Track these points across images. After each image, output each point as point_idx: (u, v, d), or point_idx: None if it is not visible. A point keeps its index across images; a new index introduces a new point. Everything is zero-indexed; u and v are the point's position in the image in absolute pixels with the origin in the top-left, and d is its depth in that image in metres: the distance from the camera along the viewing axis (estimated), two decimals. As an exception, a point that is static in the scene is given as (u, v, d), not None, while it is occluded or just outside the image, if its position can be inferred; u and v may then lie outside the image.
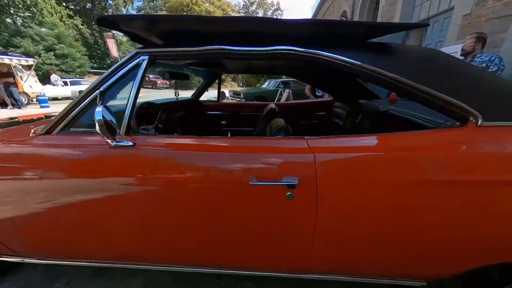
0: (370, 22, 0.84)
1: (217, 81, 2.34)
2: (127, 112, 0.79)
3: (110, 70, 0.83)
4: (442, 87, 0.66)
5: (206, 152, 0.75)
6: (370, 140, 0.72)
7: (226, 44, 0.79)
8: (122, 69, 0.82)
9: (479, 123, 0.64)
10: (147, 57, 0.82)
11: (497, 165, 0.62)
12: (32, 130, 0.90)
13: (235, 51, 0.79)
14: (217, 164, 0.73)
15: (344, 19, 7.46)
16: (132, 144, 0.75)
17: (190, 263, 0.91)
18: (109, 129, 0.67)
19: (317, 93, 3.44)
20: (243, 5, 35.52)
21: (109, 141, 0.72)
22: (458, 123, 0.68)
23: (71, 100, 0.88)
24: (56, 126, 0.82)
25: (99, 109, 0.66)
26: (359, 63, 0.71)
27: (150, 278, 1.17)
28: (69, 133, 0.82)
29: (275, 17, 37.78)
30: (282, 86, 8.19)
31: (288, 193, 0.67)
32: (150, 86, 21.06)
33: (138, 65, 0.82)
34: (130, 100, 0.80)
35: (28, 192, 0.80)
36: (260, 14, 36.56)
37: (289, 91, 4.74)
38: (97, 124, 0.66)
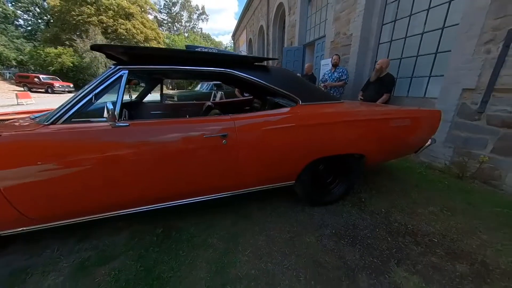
0: (252, 56, 1.65)
1: (159, 85, 2.75)
2: (118, 106, 1.26)
3: (98, 79, 1.26)
4: (288, 88, 1.55)
5: (179, 124, 1.35)
6: (256, 114, 1.54)
7: (179, 64, 1.41)
8: (108, 79, 1.27)
9: (300, 103, 1.56)
10: (126, 72, 1.31)
11: (290, 120, 1.54)
12: (33, 122, 1.20)
13: (187, 69, 1.42)
14: (185, 130, 1.35)
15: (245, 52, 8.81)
16: (127, 124, 1.24)
17: (169, 199, 1.45)
18: (113, 115, 1.16)
19: (245, 94, 4.32)
20: (164, 4, 33.52)
21: (111, 123, 1.19)
22: (294, 104, 1.59)
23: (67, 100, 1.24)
24: (59, 118, 1.18)
25: (109, 103, 1.14)
26: (250, 77, 1.50)
27: (131, 234, 1.58)
28: (71, 123, 1.20)
29: (200, 20, 37.67)
30: (215, 88, 8.83)
31: (224, 140, 1.37)
32: (43, 90, 16.74)
33: (120, 77, 1.30)
34: (118, 99, 1.27)
35: (52, 167, 1.13)
36: (185, 17, 35.59)
37: (221, 93, 5.52)
38: (107, 112, 1.13)
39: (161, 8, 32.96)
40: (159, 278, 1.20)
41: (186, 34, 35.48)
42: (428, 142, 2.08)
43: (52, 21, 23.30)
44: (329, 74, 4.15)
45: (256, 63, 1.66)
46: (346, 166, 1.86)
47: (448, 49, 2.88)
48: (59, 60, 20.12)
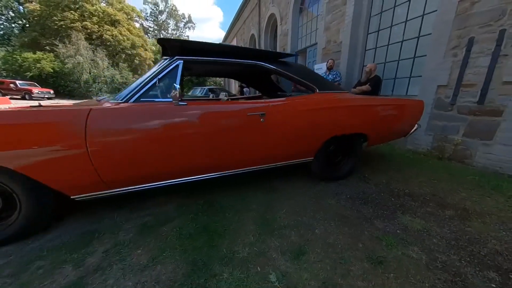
0: (278, 52, 1.99)
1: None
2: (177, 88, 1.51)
3: (160, 67, 1.51)
4: (307, 79, 1.90)
5: (227, 104, 1.63)
6: (285, 99, 1.86)
7: (222, 57, 1.70)
8: (168, 67, 1.53)
9: (317, 91, 1.91)
10: (182, 61, 1.57)
11: (311, 104, 1.88)
12: (105, 101, 1.41)
13: (229, 61, 1.72)
14: (233, 108, 1.63)
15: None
16: (186, 103, 1.50)
17: (216, 169, 1.69)
18: (180, 94, 1.41)
19: (245, 94, 4.67)
20: (151, 12, 33.52)
21: (175, 101, 1.44)
22: (312, 92, 1.94)
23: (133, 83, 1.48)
24: (131, 98, 1.41)
25: (176, 85, 1.39)
26: (277, 68, 1.83)
27: (177, 205, 1.78)
28: (139, 102, 1.43)
29: (187, 28, 38.00)
30: (210, 93, 9.17)
31: (261, 119, 1.66)
32: (19, 97, 15.81)
33: (177, 66, 1.56)
34: (177, 82, 1.52)
35: (128, 137, 1.34)
36: (171, 25, 35.77)
37: (225, 93, 5.82)
38: (174, 91, 1.38)
39: (147, 16, 32.93)
40: (216, 232, 1.43)
41: (173, 42, 35.46)
42: (415, 127, 2.53)
43: (28, 25, 22.29)
44: (325, 76, 4.63)
45: (279, 59, 2.00)
46: (351, 146, 2.22)
47: (424, 54, 3.46)
48: (38, 65, 19.17)
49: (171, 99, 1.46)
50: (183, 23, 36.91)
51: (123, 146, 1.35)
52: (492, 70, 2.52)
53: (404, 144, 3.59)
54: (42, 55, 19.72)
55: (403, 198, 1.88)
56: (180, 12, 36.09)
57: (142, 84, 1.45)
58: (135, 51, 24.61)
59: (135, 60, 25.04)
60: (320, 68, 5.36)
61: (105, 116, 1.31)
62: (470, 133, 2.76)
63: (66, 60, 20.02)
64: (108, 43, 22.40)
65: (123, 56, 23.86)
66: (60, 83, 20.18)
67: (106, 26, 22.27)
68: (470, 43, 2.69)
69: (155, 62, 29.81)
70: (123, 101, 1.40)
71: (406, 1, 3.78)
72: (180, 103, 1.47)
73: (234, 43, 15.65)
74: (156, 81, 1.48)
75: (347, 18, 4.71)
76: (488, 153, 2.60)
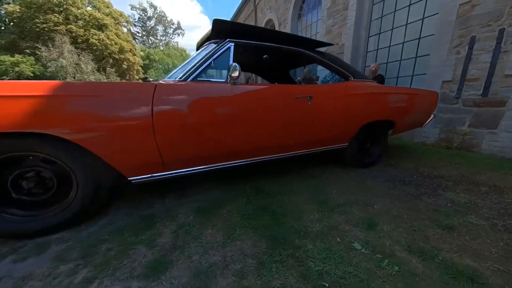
0: (319, 41, 2.04)
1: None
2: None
3: (213, 49, 1.50)
4: (343, 68, 1.98)
5: (277, 87, 1.66)
6: (327, 84, 1.91)
7: (271, 42, 1.73)
8: (221, 49, 1.52)
9: (352, 79, 1.99)
10: (233, 44, 1.58)
11: (344, 92, 1.96)
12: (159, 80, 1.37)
13: (277, 47, 1.75)
14: (283, 91, 1.65)
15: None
16: (240, 84, 1.49)
17: (265, 151, 1.68)
18: (239, 75, 1.41)
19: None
20: (139, 18, 33.08)
21: (232, 81, 1.43)
22: (345, 80, 2.02)
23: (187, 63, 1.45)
24: (188, 77, 1.38)
25: (235, 64, 1.38)
26: (318, 56, 1.90)
27: (225, 191, 1.74)
28: (196, 81, 1.41)
29: (176, 34, 37.87)
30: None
31: (309, 102, 1.70)
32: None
33: (228, 48, 1.56)
34: (231, 64, 1.51)
35: (193, 115, 1.31)
36: (160, 30, 35.48)
37: None
38: (236, 71, 1.38)
39: (135, 21, 32.43)
40: (277, 212, 1.41)
41: (161, 48, 35.17)
42: (431, 117, 2.70)
43: (4, 28, 21.03)
44: (331, 76, 4.80)
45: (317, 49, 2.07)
46: (380, 134, 2.32)
47: (425, 54, 3.73)
48: (17, 69, 18.03)
49: (223, 80, 1.46)
50: (172, 29, 36.79)
51: (185, 124, 1.31)
52: (494, 65, 2.77)
53: (411, 137, 3.79)
54: (22, 58, 18.63)
55: (435, 179, 1.98)
56: (168, 18, 36.00)
57: (198, 64, 1.43)
58: (123, 56, 23.98)
59: (123, 65, 24.35)
60: (323, 69, 5.56)
61: (170, 92, 1.28)
62: (476, 124, 2.99)
63: (49, 64, 19.08)
64: (94, 47, 21.67)
65: (111, 60, 23.13)
66: (41, 87, 19.05)
67: (93, 30, 21.60)
68: (472, 41, 2.96)
69: (144, 67, 29.25)
70: (181, 79, 1.37)
71: (406, 6, 4.08)
72: (237, 82, 1.47)
73: (227, 48, 15.80)
74: (211, 62, 1.47)
75: (349, 22, 4.99)
76: (494, 141, 2.82)
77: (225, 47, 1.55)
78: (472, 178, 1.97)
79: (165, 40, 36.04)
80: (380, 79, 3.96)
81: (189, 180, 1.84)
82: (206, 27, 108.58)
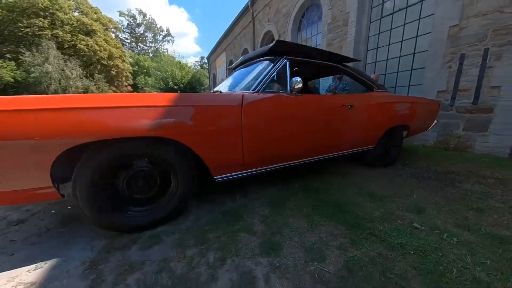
0: (349, 57, 2.36)
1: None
2: (289, 83, 1.75)
3: (274, 67, 1.74)
4: (367, 79, 2.31)
5: (327, 97, 1.93)
6: (359, 94, 2.23)
7: (314, 59, 2.01)
8: (280, 65, 1.77)
9: (376, 90, 2.33)
10: (288, 60, 1.83)
11: (374, 101, 2.29)
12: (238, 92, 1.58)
13: (319, 63, 2.03)
14: (331, 100, 1.92)
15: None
16: (300, 94, 1.74)
17: (319, 152, 1.93)
18: (300, 87, 1.66)
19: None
20: (128, 24, 32.68)
21: (294, 92, 1.68)
22: (369, 90, 2.35)
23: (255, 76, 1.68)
24: (260, 89, 1.60)
25: (299, 78, 1.64)
26: (347, 69, 2.21)
27: (278, 189, 1.94)
28: (264, 92, 1.63)
29: (165, 41, 37.76)
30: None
31: (350, 110, 1.99)
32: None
33: (285, 64, 1.81)
34: (288, 78, 1.76)
35: (268, 121, 1.53)
36: (150, 37, 35.22)
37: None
38: (298, 83, 1.63)
39: (124, 28, 31.97)
40: (336, 204, 1.64)
41: (150, 55, 34.81)
42: (435, 122, 3.12)
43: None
44: (336, 85, 5.22)
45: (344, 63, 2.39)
46: (397, 136, 2.66)
47: (420, 67, 4.25)
48: (-5, 74, 17.00)
49: (281, 91, 1.71)
50: (162, 36, 36.67)
51: (262, 129, 1.53)
52: (481, 78, 3.28)
53: (411, 140, 4.23)
54: (1, 63, 17.63)
55: (449, 175, 2.33)
56: (158, 25, 35.94)
57: (265, 77, 1.67)
58: (112, 62, 23.44)
59: (111, 71, 23.76)
60: (326, 79, 6.00)
61: (253, 102, 1.49)
62: (469, 128, 3.47)
63: (32, 69, 18.22)
64: (82, 53, 21.03)
65: (99, 67, 22.51)
66: (23, 94, 18.04)
67: (81, 36, 21.02)
68: (462, 58, 3.47)
69: (133, 74, 28.70)
70: (255, 91, 1.59)
71: (401, 25, 4.64)
72: (297, 94, 1.72)
73: (222, 57, 16.16)
74: (274, 75, 1.71)
75: (349, 37, 5.49)
76: (485, 142, 3.29)
77: (282, 63, 1.80)
78: (478, 173, 2.35)
79: (155, 46, 35.77)
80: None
81: (246, 181, 2.02)
82: (193, 34, 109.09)
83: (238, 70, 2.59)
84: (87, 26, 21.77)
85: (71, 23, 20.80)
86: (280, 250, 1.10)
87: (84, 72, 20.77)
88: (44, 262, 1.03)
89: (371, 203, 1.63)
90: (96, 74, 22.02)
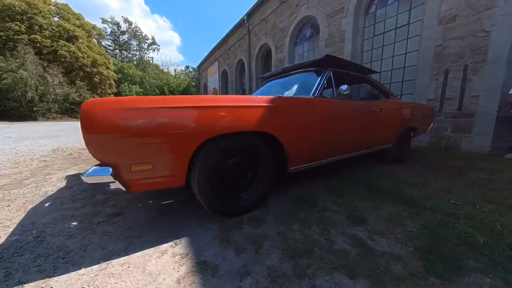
0: (371, 69, 2.78)
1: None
2: (336, 89, 2.09)
3: (323, 76, 2.07)
4: (385, 88, 2.75)
5: (363, 102, 2.29)
6: (383, 101, 2.65)
7: (349, 70, 2.39)
8: (326, 75, 2.10)
9: (392, 97, 2.78)
10: (331, 71, 2.17)
11: (394, 106, 2.73)
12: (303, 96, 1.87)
13: (352, 74, 2.41)
14: (365, 105, 2.29)
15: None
16: (345, 99, 2.08)
17: (354, 149, 2.26)
18: (349, 93, 2.00)
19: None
20: (111, 31, 31.84)
21: (343, 97, 2.01)
22: (386, 98, 2.79)
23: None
24: (317, 94, 1.91)
25: (346, 86, 1.98)
26: (371, 80, 2.63)
27: (321, 181, 2.21)
28: (322, 96, 1.94)
29: (151, 50, 37.24)
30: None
31: (379, 113, 2.37)
32: None
33: (330, 74, 2.15)
34: (334, 86, 2.10)
35: (327, 120, 1.82)
36: (134, 45, 34.56)
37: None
38: (346, 91, 1.96)
39: (107, 35, 31.06)
40: (384, 189, 1.95)
41: (135, 62, 34.03)
42: (431, 125, 3.67)
43: None
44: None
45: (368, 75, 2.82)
46: (408, 137, 3.12)
47: (410, 79, 4.93)
48: (-39, 80, 15.47)
49: (328, 96, 2.04)
50: (147, 44, 36.19)
51: (326, 126, 1.83)
52: (463, 89, 3.95)
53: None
54: (-32, 68, 16.14)
55: (454, 167, 2.79)
56: (143, 34, 35.50)
57: (320, 84, 1.98)
58: (95, 69, 22.53)
59: (94, 78, 22.77)
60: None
61: (320, 104, 1.79)
62: (456, 130, 4.10)
63: (5, 75, 16.91)
64: (63, 59, 19.99)
65: (81, 73, 21.49)
66: (-6, 101, 16.57)
67: (62, 41, 20.06)
68: (446, 72, 4.15)
69: (117, 81, 27.73)
70: (315, 95, 1.89)
71: (391, 43, 5.36)
72: (341, 98, 2.06)
73: (214, 67, 16.48)
74: (324, 83, 2.04)
75: (345, 52, 6.14)
76: (470, 142, 3.92)
77: (329, 74, 2.14)
78: (475, 166, 2.85)
79: (139, 55, 35.09)
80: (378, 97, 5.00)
81: (292, 177, 2.26)
82: (176, 43, 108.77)
83: (272, 80, 2.90)
84: (69, 31, 20.89)
85: (51, 28, 19.83)
86: (367, 221, 1.37)
87: (66, 79, 19.67)
88: (178, 240, 1.18)
89: (409, 189, 1.97)
90: (77, 81, 20.96)
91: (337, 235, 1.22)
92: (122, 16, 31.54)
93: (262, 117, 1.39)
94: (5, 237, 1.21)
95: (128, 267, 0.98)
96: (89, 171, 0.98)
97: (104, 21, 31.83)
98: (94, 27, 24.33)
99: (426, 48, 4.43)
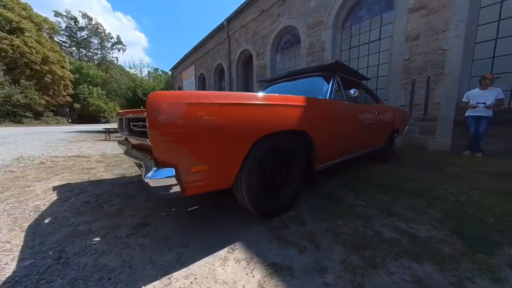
0: (363, 75, 3.06)
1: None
2: (345, 93, 2.24)
3: (332, 81, 2.22)
4: (374, 94, 3.07)
5: (365, 106, 2.50)
6: (378, 104, 2.93)
7: (353, 77, 2.60)
8: (335, 79, 2.26)
9: (380, 102, 3.11)
10: (339, 77, 2.34)
11: (384, 109, 3.08)
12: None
13: (355, 80, 2.63)
14: (366, 108, 2.50)
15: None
16: (352, 102, 2.25)
17: (358, 149, 2.43)
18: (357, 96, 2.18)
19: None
20: (67, 26, 28.31)
21: (351, 100, 2.18)
22: (376, 102, 3.12)
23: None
24: (330, 96, 2.03)
25: (355, 90, 2.15)
26: (365, 86, 2.91)
27: (337, 179, 2.33)
28: (336, 100, 2.07)
29: (116, 50, 34.32)
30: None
31: (377, 115, 2.62)
32: None
33: (338, 78, 2.31)
34: (342, 90, 2.26)
35: (342, 121, 1.93)
36: (96, 43, 31.33)
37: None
38: (355, 94, 2.14)
39: (61, 30, 27.52)
40: (392, 185, 2.15)
41: (96, 62, 30.89)
42: (406, 127, 4.19)
43: None
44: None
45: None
46: (393, 138, 3.51)
47: (382, 87, 5.56)
48: None
49: (338, 98, 2.20)
50: (111, 43, 33.23)
51: (341, 126, 1.95)
52: (428, 97, 4.63)
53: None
54: None
55: (429, 164, 3.23)
56: (106, 31, 32.51)
57: (332, 88, 2.11)
58: (47, 67, 19.71)
59: (45, 78, 19.87)
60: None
61: (336, 106, 1.92)
62: (423, 132, 4.75)
63: None
64: (3, 54, 17.01)
65: (28, 71, 18.53)
66: None
67: (3, 33, 17.11)
68: (413, 82, 4.82)
69: (74, 82, 24.62)
70: (329, 98, 2.01)
71: (365, 55, 5.99)
72: (350, 101, 2.23)
73: (190, 70, 16.00)
74: (336, 86, 2.18)
75: (325, 61, 6.63)
76: (435, 142, 4.58)
77: (337, 78, 2.30)
78: (446, 161, 3.34)
79: (102, 54, 31.96)
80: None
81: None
82: (142, 44, 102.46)
83: (274, 83, 2.98)
84: (12, 23, 17.97)
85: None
86: (397, 213, 1.49)
87: (8, 78, 16.73)
88: (232, 245, 1.11)
89: (411, 183, 2.21)
90: (22, 81, 18.00)
91: (380, 227, 1.30)
92: (80, 11, 28.47)
93: (301, 116, 1.43)
94: (14, 262, 0.97)
95: (195, 278, 0.88)
96: (152, 173, 0.87)
97: (57, 14, 28.20)
98: (45, 20, 21.43)
99: (395, 61, 5.07)
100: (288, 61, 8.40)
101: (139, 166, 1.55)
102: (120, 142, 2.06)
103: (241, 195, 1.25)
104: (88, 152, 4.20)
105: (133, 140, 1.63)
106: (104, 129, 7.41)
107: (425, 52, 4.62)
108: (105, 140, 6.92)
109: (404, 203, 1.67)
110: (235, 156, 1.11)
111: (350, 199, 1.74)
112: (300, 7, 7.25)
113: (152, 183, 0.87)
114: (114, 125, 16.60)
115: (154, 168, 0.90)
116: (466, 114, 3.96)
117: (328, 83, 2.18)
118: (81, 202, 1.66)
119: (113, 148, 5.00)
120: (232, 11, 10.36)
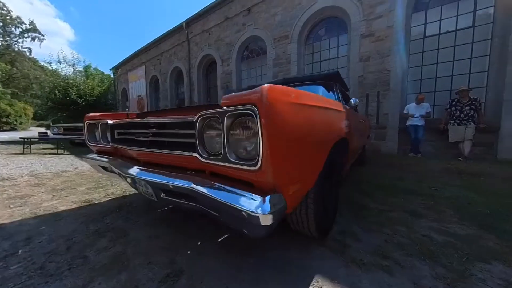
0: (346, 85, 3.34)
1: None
2: (345, 101, 2.36)
3: (336, 89, 2.30)
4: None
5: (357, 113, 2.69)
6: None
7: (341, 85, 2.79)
8: (336, 87, 2.35)
9: (357, 111, 3.48)
10: (337, 85, 2.45)
11: (363, 116, 3.45)
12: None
13: (344, 90, 2.82)
14: (360, 115, 2.70)
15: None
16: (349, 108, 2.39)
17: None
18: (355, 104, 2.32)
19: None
20: None
21: (349, 107, 2.30)
22: (355, 111, 3.48)
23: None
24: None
25: (356, 99, 2.29)
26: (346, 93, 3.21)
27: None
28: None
29: (28, 38, 27.10)
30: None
31: (363, 122, 2.88)
32: None
33: (337, 86, 2.41)
34: (355, 99, 2.36)
35: (351, 124, 1.98)
36: (-5, 27, 23.80)
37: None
38: (356, 103, 2.27)
39: None
40: (389, 186, 2.35)
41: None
42: (371, 134, 4.83)
43: None
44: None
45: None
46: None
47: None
48: None
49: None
50: (20, 29, 26.09)
51: (353, 132, 2.01)
52: (378, 109, 5.51)
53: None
54: None
55: (392, 164, 3.77)
56: (13, 14, 25.34)
57: (338, 97, 2.19)
58: None
59: None
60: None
61: (350, 112, 1.95)
62: (376, 138, 5.59)
63: None
64: None
65: None
66: None
67: None
68: (367, 96, 5.65)
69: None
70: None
71: (326, 70, 6.69)
72: (348, 107, 2.36)
73: (141, 71, 14.19)
74: (340, 95, 2.27)
75: (292, 73, 7.06)
76: (386, 146, 5.45)
77: (337, 87, 2.41)
78: (402, 162, 3.97)
79: (5, 41, 24.63)
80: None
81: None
82: (67, 36, 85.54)
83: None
84: None
85: None
86: (423, 215, 1.60)
87: None
88: (314, 281, 0.90)
89: (399, 182, 2.49)
90: None
91: (424, 231, 1.35)
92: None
93: (344, 123, 1.37)
94: None
95: None
96: (261, 204, 0.59)
97: None
98: None
99: (352, 78, 5.86)
100: (255, 70, 8.53)
101: (133, 184, 1.13)
102: (88, 157, 1.51)
103: (304, 215, 1.05)
104: (7, 172, 2.96)
105: (139, 154, 1.19)
106: (22, 139, 5.50)
107: (374, 71, 5.52)
108: (23, 153, 5.12)
109: (416, 203, 1.83)
110: (315, 170, 0.93)
111: (375, 205, 1.78)
112: (266, 19, 7.55)
113: (267, 220, 0.59)
114: (29, 133, 12.61)
115: (257, 197, 0.62)
116: (407, 123, 4.90)
117: (333, 92, 2.24)
118: (40, 254, 1.06)
119: (45, 164, 3.74)
120: (192, 14, 9.87)
